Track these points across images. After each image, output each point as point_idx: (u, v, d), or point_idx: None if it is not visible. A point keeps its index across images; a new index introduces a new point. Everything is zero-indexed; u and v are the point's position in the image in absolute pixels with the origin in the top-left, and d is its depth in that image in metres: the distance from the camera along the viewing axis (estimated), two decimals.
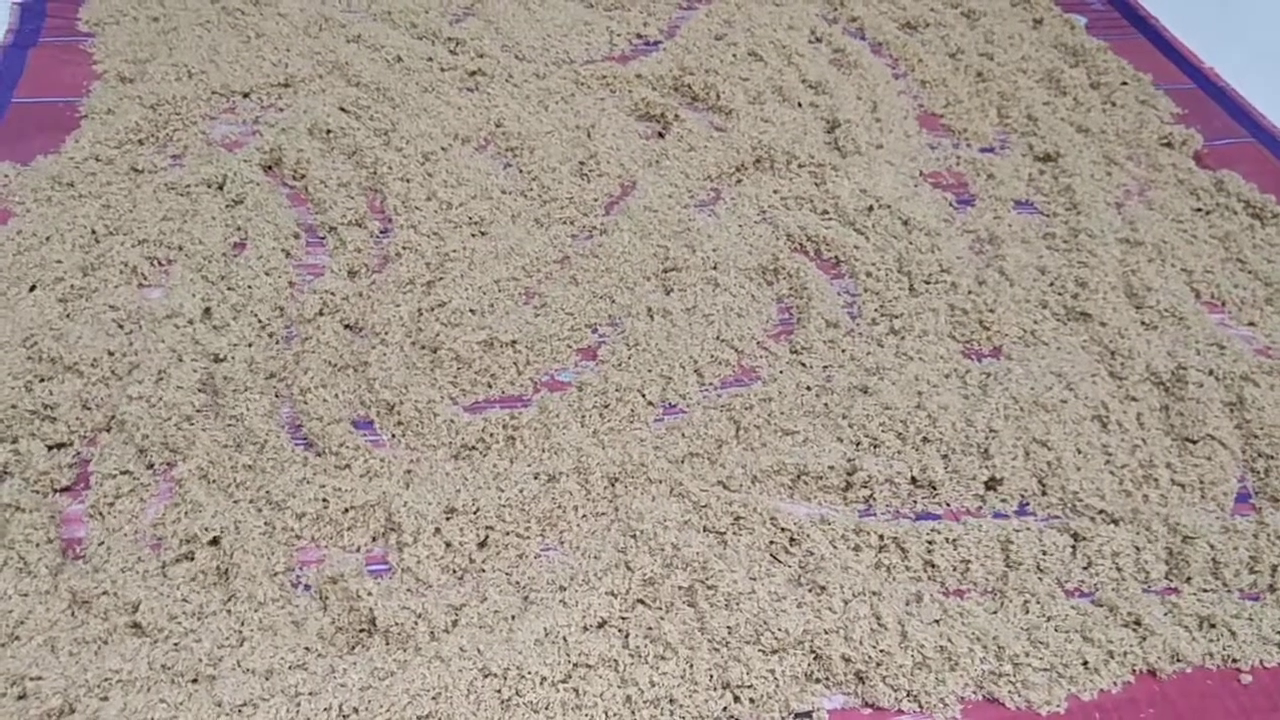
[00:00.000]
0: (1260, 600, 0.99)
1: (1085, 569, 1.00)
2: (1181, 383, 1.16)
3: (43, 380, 1.06)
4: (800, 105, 1.59)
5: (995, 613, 0.95)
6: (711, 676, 0.87)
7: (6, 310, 1.12)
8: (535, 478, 1.01)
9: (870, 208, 1.39)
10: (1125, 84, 1.73)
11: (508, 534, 0.97)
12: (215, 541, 0.93)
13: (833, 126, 1.55)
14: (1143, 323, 1.26)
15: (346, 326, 1.17)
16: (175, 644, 0.85)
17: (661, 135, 1.54)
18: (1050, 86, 1.72)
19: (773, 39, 1.74)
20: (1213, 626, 0.95)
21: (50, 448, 1.01)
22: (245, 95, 1.51)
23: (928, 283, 1.29)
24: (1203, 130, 1.62)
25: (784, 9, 1.84)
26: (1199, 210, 1.47)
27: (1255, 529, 1.03)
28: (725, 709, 0.86)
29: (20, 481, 0.96)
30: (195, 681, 0.83)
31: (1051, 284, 1.31)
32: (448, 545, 0.95)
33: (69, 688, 0.81)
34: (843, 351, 1.20)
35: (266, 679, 0.83)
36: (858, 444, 1.08)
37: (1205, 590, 0.99)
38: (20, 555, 0.90)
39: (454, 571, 0.95)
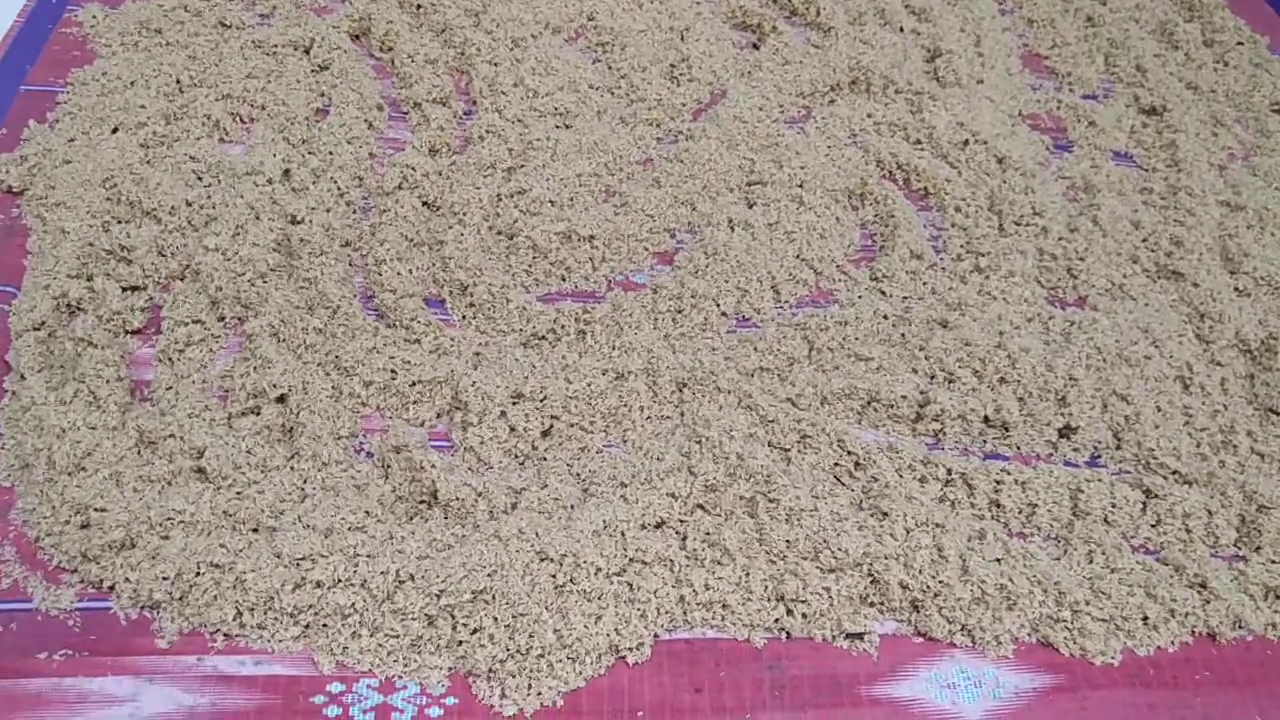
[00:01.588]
0: None
1: (1154, 526, 0.97)
2: (1271, 353, 1.12)
3: (120, 222, 1.05)
4: (901, 30, 1.53)
5: (1058, 559, 0.93)
6: (766, 587, 0.86)
7: (89, 149, 1.11)
8: (604, 374, 1.00)
9: (966, 142, 1.35)
10: (1240, 44, 1.65)
11: (572, 425, 0.96)
12: (282, 399, 0.93)
13: (933, 55, 1.49)
14: (1236, 289, 1.21)
15: (424, 204, 1.15)
16: (238, 492, 0.85)
17: (756, 46, 1.49)
18: (1162, 39, 1.65)
19: None
20: (1279, 598, 0.93)
21: (124, 289, 1.01)
22: None
23: (1018, 224, 1.25)
24: None
25: None
26: None
27: None
28: (777, 620, 0.85)
29: (94, 318, 0.96)
30: (256, 530, 0.84)
31: (1145, 240, 1.27)
32: (511, 430, 0.95)
33: (131, 522, 0.81)
34: (924, 284, 1.17)
35: (326, 537, 0.83)
36: (932, 377, 1.06)
37: (1275, 562, 0.97)
38: (90, 389, 0.90)
39: (516, 456, 0.94)
